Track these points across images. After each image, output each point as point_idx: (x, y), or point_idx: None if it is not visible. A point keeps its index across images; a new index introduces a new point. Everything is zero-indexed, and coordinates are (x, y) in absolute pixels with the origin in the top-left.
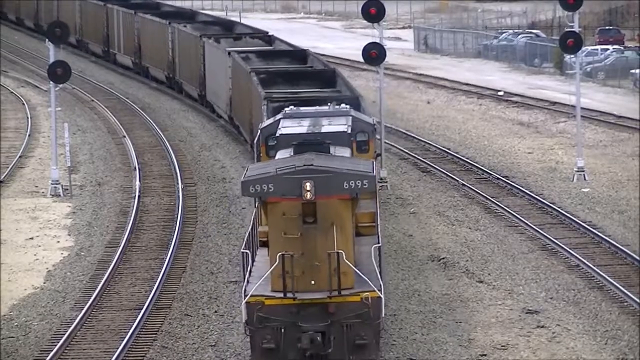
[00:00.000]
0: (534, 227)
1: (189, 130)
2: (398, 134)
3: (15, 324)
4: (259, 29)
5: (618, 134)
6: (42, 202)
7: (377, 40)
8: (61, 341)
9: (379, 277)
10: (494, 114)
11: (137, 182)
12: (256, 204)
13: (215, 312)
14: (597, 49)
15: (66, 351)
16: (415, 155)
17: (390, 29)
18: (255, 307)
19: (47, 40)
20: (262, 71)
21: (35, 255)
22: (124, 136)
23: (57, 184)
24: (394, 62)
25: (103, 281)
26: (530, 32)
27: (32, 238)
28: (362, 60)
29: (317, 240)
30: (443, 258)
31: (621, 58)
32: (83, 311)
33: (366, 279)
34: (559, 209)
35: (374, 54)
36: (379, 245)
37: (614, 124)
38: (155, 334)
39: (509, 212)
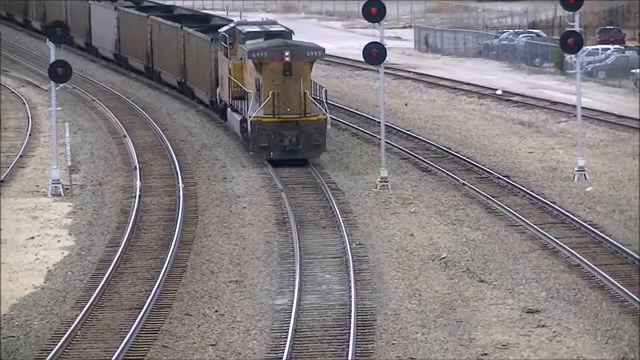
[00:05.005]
0: (534, 226)
1: (189, 130)
2: (399, 134)
3: (16, 323)
4: None
5: (619, 133)
6: (42, 202)
7: (378, 40)
8: (62, 340)
9: (325, 108)
10: (495, 114)
11: (138, 182)
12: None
13: (216, 311)
14: (597, 49)
15: (67, 350)
16: (416, 155)
17: (391, 28)
18: (256, 123)
19: (47, 39)
20: (161, 16)
21: (35, 254)
22: (125, 136)
23: (57, 183)
24: (394, 61)
25: (104, 280)
26: (531, 32)
27: (32, 237)
28: (362, 59)
29: (292, 85)
30: (444, 257)
31: (622, 58)
32: (84, 310)
33: (320, 107)
34: (559, 209)
35: (374, 54)
36: (325, 89)
37: (614, 124)
38: (156, 333)
39: (509, 211)
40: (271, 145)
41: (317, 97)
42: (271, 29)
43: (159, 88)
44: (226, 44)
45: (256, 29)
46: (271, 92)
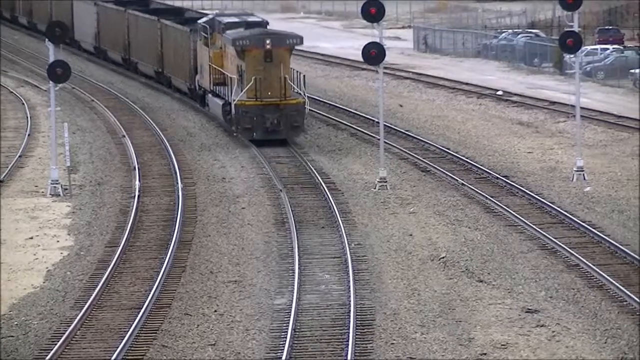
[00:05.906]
0: (533, 226)
1: (188, 130)
2: (398, 134)
3: (15, 323)
4: None
5: (618, 133)
6: (41, 202)
7: (377, 40)
8: (61, 340)
9: (305, 92)
10: (494, 114)
11: (137, 182)
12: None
13: (215, 311)
14: (596, 49)
15: (66, 350)
16: (415, 155)
17: (390, 28)
18: (240, 106)
19: (46, 40)
20: (137, 10)
21: (34, 254)
22: (124, 136)
23: (56, 183)
24: (393, 61)
25: (103, 280)
26: (530, 32)
27: (31, 238)
28: (361, 59)
29: (272, 71)
30: (443, 257)
31: (621, 58)
32: (83, 310)
33: (299, 91)
34: (558, 209)
35: (373, 54)
36: (304, 74)
37: (613, 124)
38: (155, 333)
39: (508, 211)
40: (254, 126)
41: (302, 91)
42: (249, 19)
43: (158, 88)
44: (206, 34)
45: (235, 19)
46: (253, 77)
